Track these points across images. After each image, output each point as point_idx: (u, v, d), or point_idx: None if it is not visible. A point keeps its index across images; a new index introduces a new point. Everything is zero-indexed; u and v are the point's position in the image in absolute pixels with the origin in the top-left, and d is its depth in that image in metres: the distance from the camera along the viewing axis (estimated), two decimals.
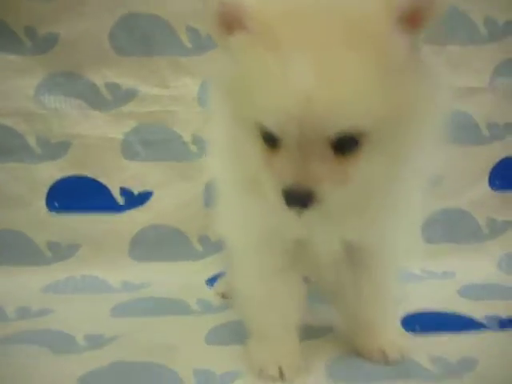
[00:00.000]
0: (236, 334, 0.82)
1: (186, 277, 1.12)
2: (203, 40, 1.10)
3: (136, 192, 1.17)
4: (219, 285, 1.06)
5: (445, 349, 0.79)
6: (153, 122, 1.14)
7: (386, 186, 0.62)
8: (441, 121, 0.66)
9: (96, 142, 1.13)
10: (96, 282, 1.12)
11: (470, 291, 1.06)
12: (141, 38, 1.10)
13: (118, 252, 1.16)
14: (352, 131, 0.56)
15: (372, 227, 0.69)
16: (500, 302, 1.00)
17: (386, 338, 0.77)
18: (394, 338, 0.77)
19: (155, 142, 1.15)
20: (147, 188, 1.17)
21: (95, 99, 1.12)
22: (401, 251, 0.79)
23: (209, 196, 0.80)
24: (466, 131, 1.20)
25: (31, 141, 1.12)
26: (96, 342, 0.85)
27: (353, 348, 0.79)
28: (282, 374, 0.71)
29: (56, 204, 1.15)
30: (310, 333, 0.84)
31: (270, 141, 0.59)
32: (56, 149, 1.13)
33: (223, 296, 1.02)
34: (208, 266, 1.15)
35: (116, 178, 1.15)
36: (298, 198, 0.58)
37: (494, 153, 1.21)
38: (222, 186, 0.77)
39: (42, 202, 1.14)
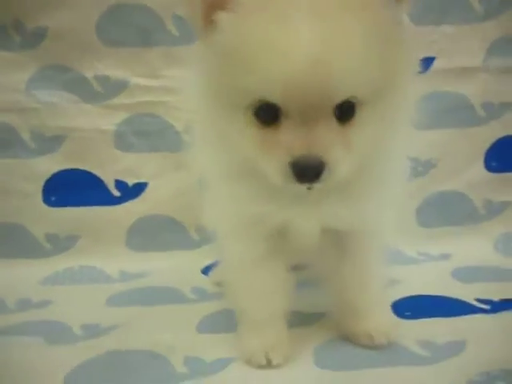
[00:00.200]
0: (229, 321, 0.83)
1: (183, 266, 1.14)
2: (191, 29, 1.09)
3: (131, 183, 1.18)
4: (214, 273, 1.07)
5: (433, 333, 0.80)
6: (145, 112, 1.14)
7: (377, 156, 0.65)
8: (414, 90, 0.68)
9: (89, 134, 1.14)
10: (94, 273, 1.14)
11: (464, 273, 1.06)
12: (129, 28, 1.10)
13: (116, 242, 1.18)
14: (353, 98, 0.57)
15: (355, 211, 0.70)
16: (494, 284, 1.00)
17: (373, 322, 0.77)
18: (381, 322, 0.78)
19: (148, 133, 1.15)
20: (142, 179, 1.18)
21: (86, 92, 1.12)
22: (385, 235, 0.79)
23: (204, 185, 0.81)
24: (461, 112, 1.19)
25: (25, 135, 1.14)
26: (92, 331, 0.87)
27: (341, 333, 0.80)
28: (269, 362, 0.72)
29: (52, 198, 1.17)
30: (300, 319, 0.85)
31: (268, 117, 0.58)
32: (50, 143, 1.14)
33: (219, 284, 1.04)
34: (204, 255, 1.16)
35: (110, 170, 1.17)
36: (310, 169, 0.57)
37: (490, 133, 1.19)
38: (207, 176, 0.77)
39: (39, 196, 1.16)
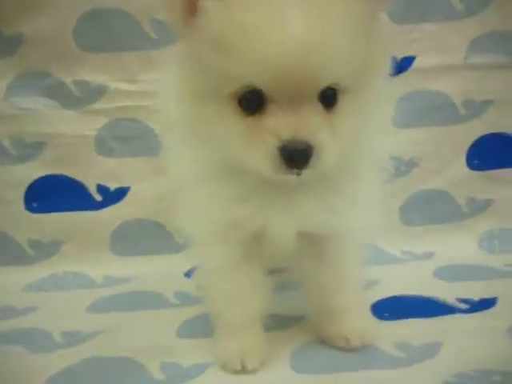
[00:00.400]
0: (209, 325, 0.82)
1: (167, 269, 1.14)
2: (169, 32, 1.09)
3: (113, 188, 1.18)
4: (196, 276, 1.07)
5: (410, 334, 0.80)
6: (125, 117, 1.14)
7: (354, 151, 0.66)
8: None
9: (70, 140, 1.14)
10: (78, 278, 1.14)
11: (447, 272, 1.06)
12: (106, 33, 1.09)
13: (100, 247, 1.18)
14: (335, 84, 0.59)
15: (331, 213, 0.70)
16: (476, 282, 1.00)
17: (349, 325, 0.77)
18: (357, 325, 0.78)
19: (129, 137, 1.15)
20: (124, 183, 1.18)
21: (66, 97, 1.12)
22: (362, 237, 0.79)
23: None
24: (442, 111, 1.19)
25: (5, 142, 1.14)
26: (73, 338, 0.87)
27: (318, 336, 0.80)
28: (244, 367, 0.72)
29: (34, 204, 1.17)
30: (278, 322, 0.85)
31: (253, 104, 0.58)
32: (31, 149, 1.14)
33: (200, 287, 1.04)
34: (188, 258, 1.16)
35: (92, 175, 1.17)
36: (299, 152, 0.57)
37: (472, 131, 1.19)
38: (183, 179, 0.75)
39: (21, 202, 1.16)
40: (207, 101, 0.60)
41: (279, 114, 0.57)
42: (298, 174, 0.59)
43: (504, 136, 1.20)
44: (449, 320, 0.85)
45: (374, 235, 0.87)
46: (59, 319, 0.95)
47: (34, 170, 1.15)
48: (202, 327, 0.85)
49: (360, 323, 0.78)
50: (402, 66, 1.18)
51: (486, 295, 0.93)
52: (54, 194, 1.17)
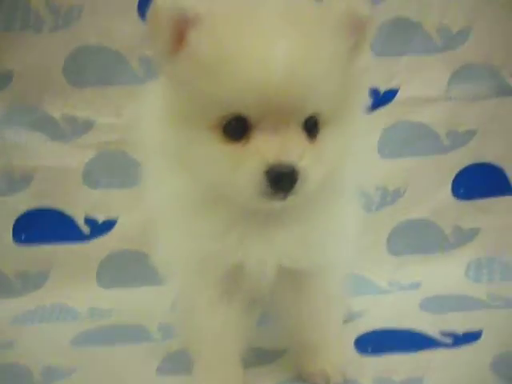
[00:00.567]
0: (190, 361, 0.83)
1: (152, 301, 1.13)
2: (154, 68, 1.11)
3: (100, 220, 1.19)
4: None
5: (392, 369, 0.80)
6: (112, 150, 1.15)
7: (331, 183, 0.66)
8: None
9: (58, 173, 1.15)
10: (64, 310, 1.13)
11: (432, 304, 1.05)
12: (93, 69, 1.12)
13: (87, 279, 1.17)
14: (317, 114, 0.61)
15: (310, 247, 0.70)
16: (461, 314, 1.00)
17: (329, 361, 0.77)
18: (338, 361, 0.77)
19: (115, 170, 1.16)
20: (111, 215, 1.19)
21: (54, 131, 1.13)
22: (342, 271, 0.79)
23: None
24: (426, 141, 1.20)
25: None
26: (52, 375, 0.86)
27: (299, 373, 0.79)
28: None
29: (23, 236, 1.17)
30: (260, 357, 0.84)
31: (237, 131, 0.59)
32: (19, 182, 1.15)
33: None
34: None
35: (80, 207, 1.17)
36: (285, 176, 0.57)
37: (456, 161, 1.20)
38: (158, 213, 0.75)
39: (9, 234, 1.17)
40: (191, 127, 0.61)
41: (264, 140, 0.58)
42: (283, 199, 0.60)
43: (489, 166, 1.21)
44: (432, 354, 0.85)
45: (352, 269, 0.86)
46: (41, 354, 0.94)
47: (23, 202, 1.16)
48: (183, 362, 0.84)
49: (341, 359, 0.78)
50: (386, 97, 1.20)
51: (471, 328, 0.92)
52: (43, 226, 1.17)
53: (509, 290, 1.08)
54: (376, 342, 0.89)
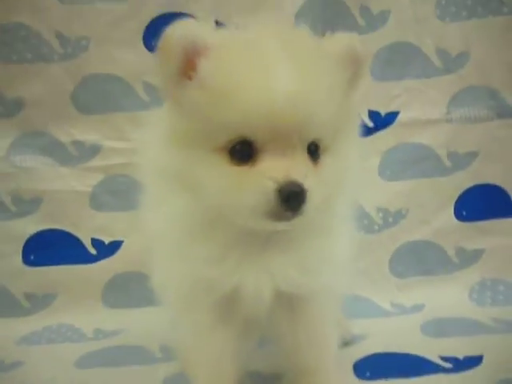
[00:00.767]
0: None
1: (156, 322, 1.14)
2: (158, 95, 1.15)
3: (107, 242, 1.22)
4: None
5: None
6: (118, 173, 1.19)
7: (328, 207, 0.68)
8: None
9: (66, 196, 1.19)
10: (70, 331, 1.16)
11: (434, 327, 1.05)
12: (101, 96, 1.16)
13: (92, 300, 1.20)
14: (318, 140, 0.64)
15: (306, 271, 0.70)
16: (462, 338, 0.99)
17: None
18: None
19: (121, 192, 1.19)
20: (117, 237, 1.21)
21: (62, 156, 1.18)
22: (338, 295, 0.80)
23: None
24: (427, 163, 1.21)
25: (6, 199, 1.19)
26: None
27: None
28: None
29: (32, 257, 1.21)
30: (258, 381, 0.85)
31: (244, 154, 0.61)
32: (29, 205, 1.19)
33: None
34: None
35: (87, 229, 1.21)
36: (296, 194, 0.59)
37: (458, 183, 1.20)
38: (158, 237, 0.75)
39: (19, 256, 1.20)
40: (197, 149, 0.63)
41: (272, 161, 0.60)
42: (289, 219, 0.61)
43: (491, 187, 1.21)
44: (431, 379, 0.85)
45: (348, 292, 0.87)
46: (46, 375, 0.96)
47: (32, 225, 1.20)
48: None
49: None
50: (387, 120, 1.21)
51: (472, 353, 0.92)
52: (51, 247, 1.21)
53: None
54: (375, 367, 0.89)
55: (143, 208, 0.78)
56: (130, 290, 1.21)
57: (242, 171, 0.61)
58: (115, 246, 1.22)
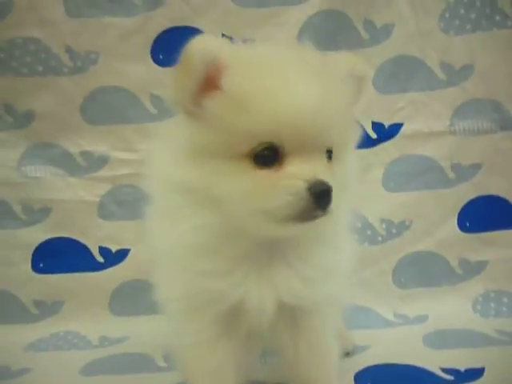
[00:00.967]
0: None
1: (160, 330, 1.16)
2: (166, 106, 1.17)
3: (114, 250, 1.24)
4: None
5: None
6: (125, 184, 1.21)
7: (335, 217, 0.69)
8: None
9: (74, 205, 1.22)
10: (76, 338, 1.18)
11: (436, 339, 1.05)
12: (109, 108, 1.19)
13: (99, 307, 1.23)
14: (333, 145, 0.68)
15: (308, 281, 0.72)
16: (465, 350, 1.00)
17: None
18: None
19: (128, 202, 1.21)
20: (125, 245, 1.24)
21: (71, 166, 1.21)
22: (338, 309, 0.81)
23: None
24: (431, 175, 1.22)
25: (17, 208, 1.22)
26: None
27: None
28: None
29: (41, 265, 1.23)
30: None
31: (269, 159, 0.64)
32: (38, 214, 1.22)
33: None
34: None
35: (95, 237, 1.23)
36: (326, 191, 0.62)
37: (461, 194, 1.21)
38: (163, 251, 0.76)
39: (28, 263, 1.23)
40: (219, 158, 0.65)
41: (299, 164, 0.64)
42: (317, 218, 0.64)
43: (495, 198, 1.21)
44: None
45: (349, 303, 0.87)
46: (52, 382, 0.99)
47: (41, 233, 1.23)
48: None
49: None
50: (391, 132, 1.22)
51: (474, 365, 0.92)
52: (60, 255, 1.23)
53: None
54: (376, 378, 0.90)
55: (150, 219, 0.78)
56: (137, 298, 1.23)
57: (268, 174, 0.64)
58: (122, 254, 1.24)
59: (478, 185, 1.21)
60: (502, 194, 1.20)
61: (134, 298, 1.23)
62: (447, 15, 1.18)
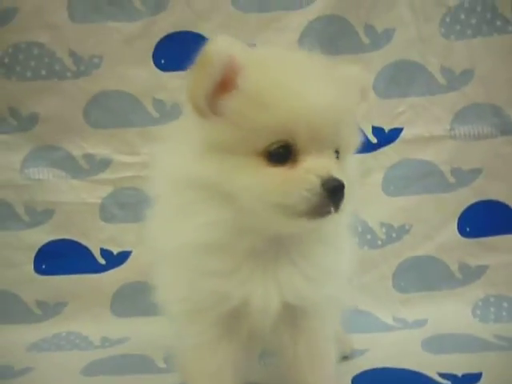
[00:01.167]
0: None
1: (161, 332, 1.17)
2: (168, 110, 1.19)
3: (116, 252, 1.25)
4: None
5: None
6: (127, 186, 1.22)
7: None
8: None
9: (76, 207, 1.23)
10: (78, 339, 1.19)
11: (435, 343, 1.06)
12: (111, 112, 1.20)
13: (101, 309, 1.24)
14: (341, 145, 0.70)
15: (311, 281, 0.72)
16: (463, 355, 1.00)
17: None
18: None
19: (130, 205, 1.23)
20: (126, 247, 1.25)
21: (74, 169, 1.22)
22: (338, 312, 0.81)
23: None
24: (431, 179, 1.22)
25: (20, 210, 1.23)
26: None
27: None
28: None
29: (43, 266, 1.25)
30: None
31: (283, 156, 0.65)
32: (41, 216, 1.23)
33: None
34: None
35: (96, 239, 1.24)
36: (340, 187, 0.64)
37: (462, 199, 1.22)
38: (167, 254, 0.76)
39: (31, 264, 1.24)
40: (234, 155, 0.66)
41: (313, 161, 0.66)
42: (329, 214, 0.65)
43: (495, 203, 1.21)
44: None
45: (348, 306, 0.88)
46: (53, 382, 1.00)
47: (44, 235, 1.24)
48: None
49: None
50: (391, 136, 1.23)
51: (471, 370, 0.92)
52: (62, 257, 1.25)
53: None
54: (373, 382, 0.90)
55: (152, 221, 0.79)
56: (138, 300, 1.24)
57: (283, 171, 0.65)
58: (124, 256, 1.25)
59: (478, 189, 1.21)
60: (502, 198, 1.21)
61: (135, 300, 1.24)
62: (448, 20, 1.19)
